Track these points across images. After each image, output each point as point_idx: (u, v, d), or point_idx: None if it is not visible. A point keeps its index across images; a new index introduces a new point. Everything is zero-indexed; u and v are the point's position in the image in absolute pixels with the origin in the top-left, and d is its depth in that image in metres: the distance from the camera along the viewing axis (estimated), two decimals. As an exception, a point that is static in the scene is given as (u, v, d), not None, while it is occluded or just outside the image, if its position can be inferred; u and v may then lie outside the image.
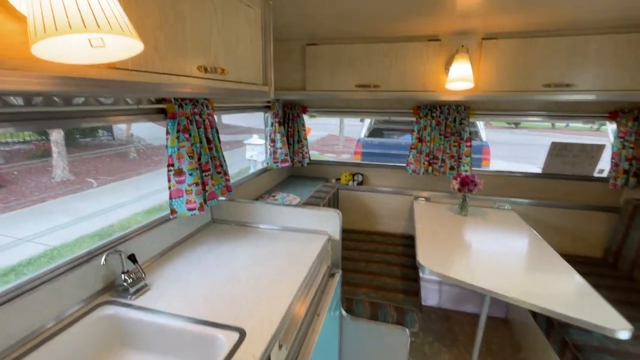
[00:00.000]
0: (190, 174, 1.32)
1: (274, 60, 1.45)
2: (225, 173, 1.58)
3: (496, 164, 6.75)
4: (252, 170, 2.46)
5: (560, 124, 13.73)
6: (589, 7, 1.38)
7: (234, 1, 1.15)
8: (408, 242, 2.39)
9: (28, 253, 3.93)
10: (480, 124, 5.25)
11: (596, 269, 2.03)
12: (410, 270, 1.99)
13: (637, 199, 2.02)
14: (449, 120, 2.27)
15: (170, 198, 1.33)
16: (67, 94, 0.94)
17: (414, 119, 2.37)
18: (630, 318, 1.15)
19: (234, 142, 9.22)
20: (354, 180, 2.68)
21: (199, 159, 1.40)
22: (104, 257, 1.03)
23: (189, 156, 1.31)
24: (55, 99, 0.94)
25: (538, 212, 2.26)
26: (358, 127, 6.24)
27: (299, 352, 1.13)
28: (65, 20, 0.46)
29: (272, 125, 2.35)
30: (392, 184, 2.64)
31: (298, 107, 2.57)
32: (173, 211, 1.34)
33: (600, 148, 2.33)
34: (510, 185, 2.42)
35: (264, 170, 2.43)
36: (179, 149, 1.29)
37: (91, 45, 0.56)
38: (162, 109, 1.28)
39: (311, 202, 2.15)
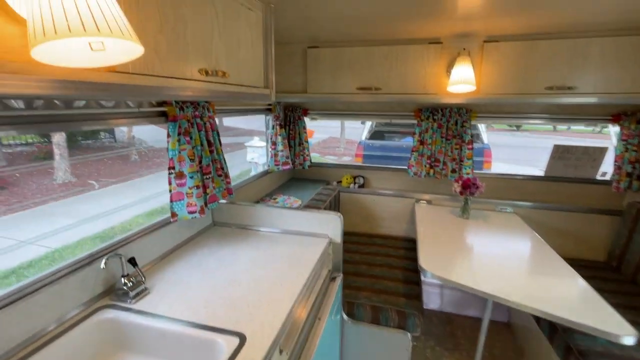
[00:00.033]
0: (191, 177, 1.32)
1: (275, 63, 1.45)
2: (226, 176, 1.58)
3: (498, 167, 6.73)
4: (253, 173, 2.45)
5: (561, 126, 13.69)
6: (591, 9, 1.38)
7: (236, 4, 1.15)
8: (410, 245, 2.38)
9: (29, 255, 3.93)
10: (481, 127, 5.25)
11: (599, 273, 2.01)
12: (412, 274, 1.97)
13: None
14: (451, 123, 2.26)
15: (171, 201, 1.33)
16: (68, 98, 0.94)
17: (415, 121, 2.36)
18: (634, 323, 1.14)
19: (235, 145, 9.24)
20: (355, 183, 2.67)
21: (200, 162, 1.40)
22: (103, 261, 1.02)
23: (190, 159, 1.31)
24: (56, 102, 0.93)
25: (540, 215, 2.25)
26: (359, 130, 6.24)
27: (299, 357, 1.12)
28: (65, 23, 0.45)
29: (273, 127, 2.35)
30: (393, 187, 2.64)
31: (299, 110, 2.57)
32: (174, 214, 1.34)
33: (603, 151, 2.32)
34: (512, 188, 2.41)
35: (265, 173, 2.43)
36: (179, 152, 1.29)
37: (91, 49, 0.56)
38: (163, 111, 1.28)
39: (312, 205, 2.15)
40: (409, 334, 1.62)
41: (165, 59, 0.85)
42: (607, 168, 2.31)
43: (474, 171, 2.31)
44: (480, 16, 1.48)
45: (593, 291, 1.31)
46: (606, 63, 1.68)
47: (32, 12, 0.46)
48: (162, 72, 0.84)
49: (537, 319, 1.78)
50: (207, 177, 1.44)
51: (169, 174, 1.30)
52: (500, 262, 1.55)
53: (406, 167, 2.45)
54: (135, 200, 5.79)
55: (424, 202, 2.43)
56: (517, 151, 10.15)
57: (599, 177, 2.31)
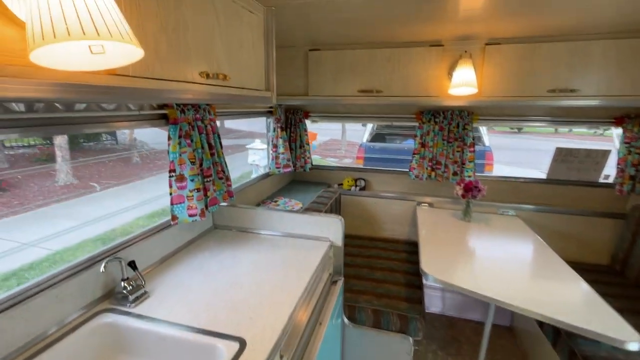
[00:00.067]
0: (192, 180, 1.32)
1: (276, 66, 1.45)
2: (227, 178, 1.57)
3: (499, 169, 6.71)
4: (254, 175, 2.45)
5: (563, 128, 13.66)
6: (593, 12, 1.37)
7: (237, 7, 1.15)
8: (411, 249, 2.37)
9: (30, 257, 3.93)
10: (483, 129, 5.23)
11: (603, 277, 2.00)
12: (414, 277, 1.96)
13: None
14: (452, 126, 2.25)
15: (172, 204, 1.32)
16: (68, 101, 0.94)
17: (416, 124, 2.36)
18: (639, 328, 1.12)
19: (236, 147, 9.25)
20: (356, 186, 2.66)
21: (201, 165, 1.39)
22: (103, 265, 1.01)
23: (191, 162, 1.31)
24: (57, 105, 0.93)
25: (543, 218, 2.24)
26: (360, 132, 6.24)
27: (300, 362, 1.11)
28: (64, 27, 0.45)
29: (274, 130, 2.35)
30: (394, 190, 2.63)
31: (300, 112, 2.57)
32: (174, 217, 1.33)
33: (605, 154, 2.30)
34: (515, 190, 2.39)
35: (266, 176, 2.42)
36: (180, 155, 1.28)
37: (91, 52, 0.56)
38: (164, 114, 1.28)
39: (313, 208, 2.14)
40: (410, 338, 1.61)
41: (166, 61, 0.85)
42: (610, 171, 2.29)
43: (476, 174, 2.30)
44: (482, 19, 1.48)
45: (597, 295, 1.29)
46: (608, 65, 1.67)
47: (31, 15, 0.46)
48: (162, 74, 0.84)
49: (541, 324, 1.76)
50: (208, 180, 1.43)
51: (170, 176, 1.30)
52: (502, 266, 1.53)
53: (407, 170, 2.44)
54: (137, 202, 5.79)
55: (426, 205, 2.42)
56: (518, 153, 10.13)
57: (601, 180, 2.29)
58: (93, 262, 1.09)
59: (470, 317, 2.42)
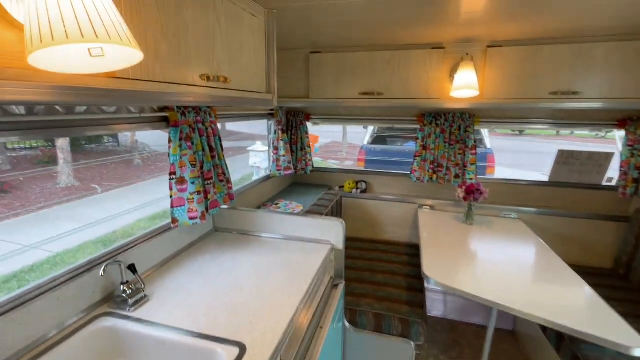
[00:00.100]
0: (193, 183, 1.31)
1: (277, 68, 1.45)
2: (228, 181, 1.57)
3: (501, 172, 6.69)
4: (255, 177, 2.45)
5: (565, 131, 13.64)
6: (595, 14, 1.36)
7: (238, 10, 1.14)
8: (413, 252, 2.35)
9: (31, 259, 3.93)
10: (484, 131, 5.22)
11: (606, 281, 1.98)
12: (416, 281, 1.95)
13: None
14: (454, 128, 2.25)
15: (172, 207, 1.32)
16: (67, 104, 0.93)
17: (417, 126, 2.35)
18: (644, 333, 1.11)
19: (237, 149, 9.26)
20: (357, 188, 2.65)
21: (202, 167, 1.39)
22: (102, 268, 1.01)
23: (192, 164, 1.30)
24: (58, 108, 0.93)
25: (545, 221, 2.22)
26: (361, 134, 6.23)
27: (301, 367, 1.10)
28: (62, 29, 0.45)
29: (275, 132, 2.35)
30: (396, 192, 2.62)
31: (301, 115, 2.57)
32: (174, 220, 1.33)
33: (608, 156, 2.29)
34: (517, 193, 2.38)
35: (267, 178, 2.42)
36: (181, 157, 1.28)
37: (90, 55, 0.55)
38: (164, 117, 1.28)
39: (314, 211, 2.13)
40: (412, 343, 1.59)
41: (166, 64, 0.85)
42: (612, 173, 2.28)
43: (478, 176, 2.29)
44: (483, 21, 1.47)
45: (600, 299, 1.28)
46: (611, 68, 1.66)
47: (29, 17, 0.46)
48: (163, 77, 0.84)
49: (544, 328, 1.75)
50: (209, 182, 1.43)
51: (170, 179, 1.29)
52: (504, 269, 1.52)
53: (409, 172, 2.43)
54: (138, 204, 5.80)
55: (427, 207, 2.40)
56: (520, 156, 10.10)
57: (604, 183, 2.28)
58: (93, 265, 1.09)
59: (473, 320, 2.40)
